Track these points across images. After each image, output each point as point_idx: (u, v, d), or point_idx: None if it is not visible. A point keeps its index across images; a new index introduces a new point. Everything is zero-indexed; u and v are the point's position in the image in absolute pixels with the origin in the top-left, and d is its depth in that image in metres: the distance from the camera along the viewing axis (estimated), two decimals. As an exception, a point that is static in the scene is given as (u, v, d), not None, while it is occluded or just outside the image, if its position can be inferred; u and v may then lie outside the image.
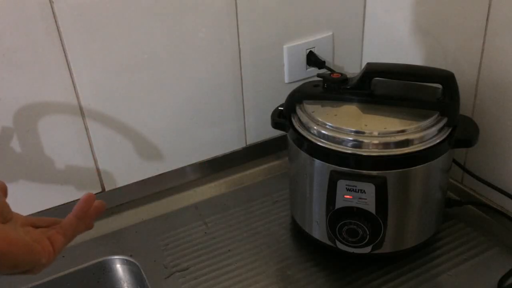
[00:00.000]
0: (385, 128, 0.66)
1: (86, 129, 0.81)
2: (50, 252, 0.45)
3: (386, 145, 0.65)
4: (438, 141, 0.67)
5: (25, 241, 0.42)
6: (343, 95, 0.72)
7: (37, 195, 0.81)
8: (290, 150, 0.76)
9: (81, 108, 0.79)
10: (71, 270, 0.78)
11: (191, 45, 0.83)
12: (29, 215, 0.82)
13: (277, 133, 0.79)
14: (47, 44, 0.72)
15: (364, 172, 0.66)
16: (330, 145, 0.67)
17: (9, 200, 0.81)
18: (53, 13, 0.71)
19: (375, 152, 0.65)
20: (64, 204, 0.84)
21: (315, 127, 0.69)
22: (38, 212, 0.82)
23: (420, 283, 0.71)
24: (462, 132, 0.70)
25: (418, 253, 0.76)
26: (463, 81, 0.78)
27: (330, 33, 0.95)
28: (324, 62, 0.95)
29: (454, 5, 0.78)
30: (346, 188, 0.67)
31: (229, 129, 0.94)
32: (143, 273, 0.77)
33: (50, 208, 0.83)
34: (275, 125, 0.77)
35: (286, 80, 0.95)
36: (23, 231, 0.45)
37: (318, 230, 0.74)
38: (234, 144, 0.96)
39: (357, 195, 0.66)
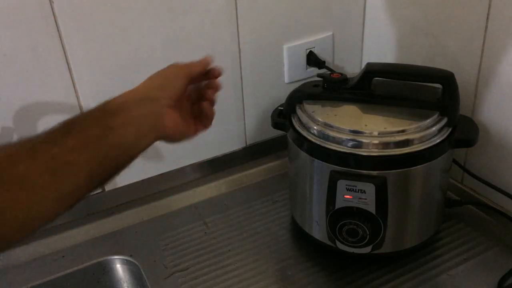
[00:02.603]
0: (385, 128, 0.66)
1: (86, 129, 0.81)
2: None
3: (386, 145, 0.65)
4: (438, 141, 0.67)
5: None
6: (343, 95, 0.72)
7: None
8: (290, 150, 0.76)
9: (81, 108, 0.79)
10: (71, 270, 0.78)
11: (191, 45, 0.83)
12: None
13: (277, 133, 0.79)
14: (47, 44, 0.72)
15: (364, 172, 0.66)
16: (330, 145, 0.67)
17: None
18: (53, 13, 0.71)
19: (375, 152, 0.65)
20: (64, 204, 0.84)
21: (315, 127, 0.69)
22: (38, 212, 0.82)
23: (420, 283, 0.71)
24: (462, 132, 0.70)
25: (418, 253, 0.76)
26: (463, 81, 0.78)
27: (330, 33, 0.95)
28: (324, 62, 0.95)
29: (454, 5, 0.78)
30: (346, 188, 0.66)
31: (229, 129, 0.94)
32: (143, 273, 0.77)
33: (50, 208, 0.83)
34: (275, 125, 0.77)
35: (286, 80, 0.95)
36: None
37: (318, 230, 0.74)
38: (234, 144, 0.96)
39: (357, 195, 0.66)
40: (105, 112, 0.48)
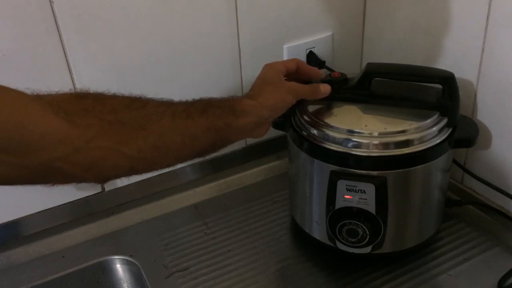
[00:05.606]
0: (385, 129, 0.66)
1: (86, 129, 0.80)
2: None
3: (386, 145, 0.65)
4: (438, 141, 0.67)
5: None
6: (343, 95, 0.72)
7: (37, 195, 0.81)
8: (290, 150, 0.76)
9: (81, 108, 0.79)
10: (71, 270, 0.78)
11: (191, 45, 0.83)
12: (29, 215, 0.83)
13: (277, 133, 0.79)
14: (47, 44, 0.72)
15: (364, 172, 0.66)
16: (330, 145, 0.67)
17: (7, 201, 0.81)
18: (53, 13, 0.71)
19: (375, 153, 0.65)
20: (64, 204, 0.84)
21: (315, 127, 0.69)
22: (38, 212, 0.82)
23: (420, 283, 0.71)
24: (462, 132, 0.70)
25: (418, 253, 0.76)
26: (463, 81, 0.78)
27: (330, 33, 0.95)
28: (324, 62, 0.95)
29: (454, 5, 0.78)
30: (346, 188, 0.67)
31: (229, 129, 0.94)
32: (143, 273, 0.77)
33: (50, 208, 0.83)
34: (275, 125, 0.77)
35: (286, 80, 0.95)
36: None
37: (318, 230, 0.74)
38: (234, 144, 0.95)
39: (357, 195, 0.66)
40: (232, 111, 0.61)
